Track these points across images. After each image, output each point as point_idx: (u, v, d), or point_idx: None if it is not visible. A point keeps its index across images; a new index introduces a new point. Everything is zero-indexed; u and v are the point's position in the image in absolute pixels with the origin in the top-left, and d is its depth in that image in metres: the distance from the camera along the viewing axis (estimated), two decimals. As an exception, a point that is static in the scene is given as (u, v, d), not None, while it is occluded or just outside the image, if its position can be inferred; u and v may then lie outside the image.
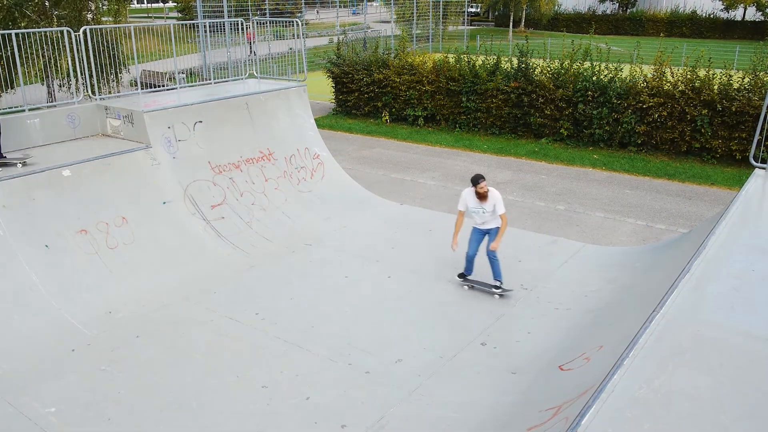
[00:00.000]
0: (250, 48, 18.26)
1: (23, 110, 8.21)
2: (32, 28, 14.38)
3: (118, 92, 11.66)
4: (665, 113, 13.30)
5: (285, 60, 15.96)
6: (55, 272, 6.43)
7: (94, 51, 8.93)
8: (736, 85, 12.88)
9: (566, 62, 14.75)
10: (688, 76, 13.26)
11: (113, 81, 15.19)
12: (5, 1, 14.95)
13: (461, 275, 7.17)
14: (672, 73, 13.57)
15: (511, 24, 42.20)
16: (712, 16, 44.60)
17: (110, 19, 17.49)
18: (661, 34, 31.94)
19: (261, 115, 9.68)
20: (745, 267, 4.60)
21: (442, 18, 33.28)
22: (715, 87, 12.92)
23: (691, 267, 4.52)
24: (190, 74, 16.40)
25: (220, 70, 16.44)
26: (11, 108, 8.81)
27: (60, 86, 15.84)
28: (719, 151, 13.11)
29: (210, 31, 17.11)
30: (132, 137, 8.38)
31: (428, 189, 11.69)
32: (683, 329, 3.73)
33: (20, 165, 7.06)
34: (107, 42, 11.81)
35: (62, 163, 7.23)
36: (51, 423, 4.78)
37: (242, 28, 11.93)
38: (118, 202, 7.42)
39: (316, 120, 11.39)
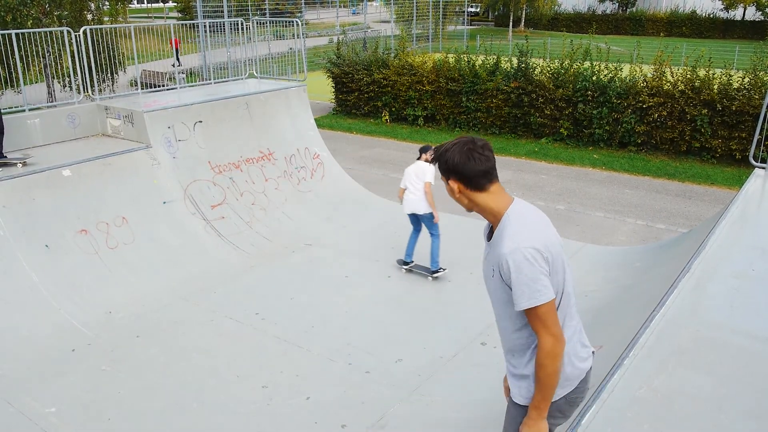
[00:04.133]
0: (176, 56, 17.77)
1: (23, 110, 8.21)
2: (36, 27, 14.38)
3: (117, 92, 11.65)
4: (665, 113, 13.30)
5: (285, 60, 15.96)
6: (55, 272, 6.42)
7: (94, 51, 8.92)
8: (736, 85, 12.88)
9: (566, 62, 14.75)
10: (688, 76, 13.26)
11: (114, 80, 15.20)
12: (11, 2, 14.94)
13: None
14: (672, 72, 13.57)
15: (510, 24, 42.20)
16: (711, 15, 44.61)
17: (109, 18, 17.50)
18: (661, 34, 31.95)
19: (261, 115, 9.68)
20: (745, 267, 4.59)
21: (442, 18, 33.27)
22: (715, 87, 12.92)
23: (691, 267, 4.52)
24: (190, 74, 16.41)
25: (220, 70, 16.43)
26: (11, 108, 8.81)
27: (62, 87, 15.84)
28: (719, 150, 13.11)
29: (210, 31, 17.10)
30: (132, 137, 8.38)
31: (428, 189, 11.67)
32: (683, 329, 3.72)
33: (20, 165, 7.06)
34: (107, 42, 11.81)
35: (62, 163, 7.23)
36: (51, 423, 4.77)
37: (242, 28, 11.92)
38: (118, 202, 7.41)
39: (316, 120, 11.39)
